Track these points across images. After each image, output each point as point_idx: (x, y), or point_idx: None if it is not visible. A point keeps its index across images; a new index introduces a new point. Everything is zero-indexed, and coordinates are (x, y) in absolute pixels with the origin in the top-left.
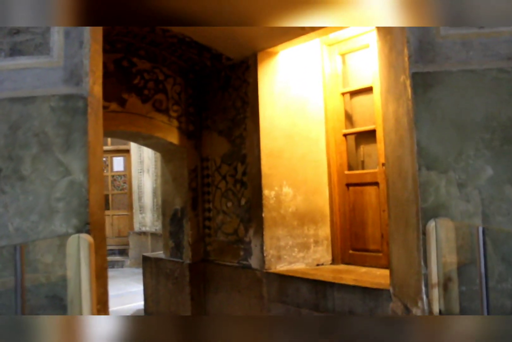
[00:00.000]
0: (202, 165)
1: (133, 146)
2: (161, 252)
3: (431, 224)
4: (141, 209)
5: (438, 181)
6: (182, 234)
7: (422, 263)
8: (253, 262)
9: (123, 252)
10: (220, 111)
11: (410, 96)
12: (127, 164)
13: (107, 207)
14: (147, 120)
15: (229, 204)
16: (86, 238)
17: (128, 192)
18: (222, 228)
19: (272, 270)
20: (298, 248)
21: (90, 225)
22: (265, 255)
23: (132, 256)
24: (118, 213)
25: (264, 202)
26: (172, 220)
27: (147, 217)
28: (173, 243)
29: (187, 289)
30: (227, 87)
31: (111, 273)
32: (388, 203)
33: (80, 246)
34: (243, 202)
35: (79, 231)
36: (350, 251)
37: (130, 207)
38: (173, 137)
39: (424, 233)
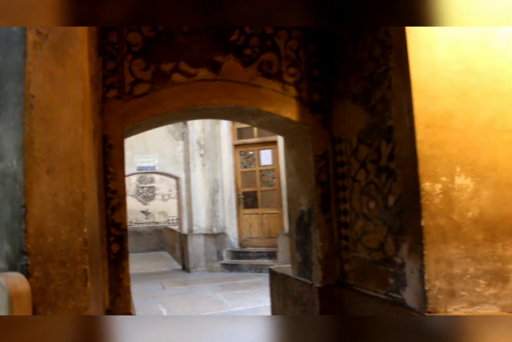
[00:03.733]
0: (333, 150)
1: (280, 137)
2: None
3: None
4: None
5: None
6: (310, 246)
7: None
8: (408, 297)
9: (272, 255)
10: (353, 68)
11: None
12: (275, 157)
13: (255, 204)
14: (251, 90)
15: (372, 204)
16: (6, 284)
17: (277, 188)
18: (363, 240)
19: (441, 313)
20: (486, 280)
21: (33, 255)
22: (427, 288)
23: (281, 260)
24: (267, 212)
25: (424, 201)
26: (298, 225)
27: None
28: (300, 256)
29: None
30: (359, 31)
31: (256, 279)
32: None
33: None
34: (391, 201)
35: (12, 265)
36: None
37: (279, 204)
38: (291, 112)
39: None
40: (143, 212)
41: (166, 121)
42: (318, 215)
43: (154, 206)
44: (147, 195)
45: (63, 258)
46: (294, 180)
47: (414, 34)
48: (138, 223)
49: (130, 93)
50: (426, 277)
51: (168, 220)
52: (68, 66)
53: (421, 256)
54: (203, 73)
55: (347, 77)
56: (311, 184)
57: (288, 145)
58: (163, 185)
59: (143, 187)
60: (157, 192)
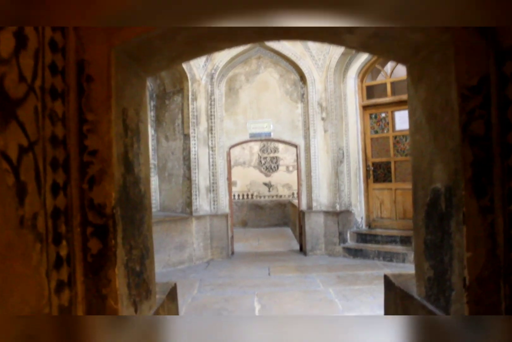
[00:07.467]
0: (499, 73)
1: None
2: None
3: None
4: None
5: None
6: (449, 254)
7: None
8: None
9: (406, 241)
10: None
11: None
12: None
13: (388, 178)
14: None
15: None
16: None
17: None
18: None
19: None
20: None
21: None
22: None
23: None
24: (402, 187)
25: None
26: (429, 214)
27: None
28: (430, 268)
29: None
30: None
31: (383, 270)
32: None
33: None
34: None
35: None
36: None
37: None
38: None
39: None
40: (265, 184)
41: (204, 39)
42: (467, 199)
43: (278, 177)
44: (270, 165)
45: None
46: (423, 136)
47: None
48: (260, 196)
49: None
50: None
51: (293, 193)
52: None
53: None
54: None
55: None
56: (454, 141)
57: (413, 79)
58: (287, 155)
59: (265, 157)
60: (280, 162)
